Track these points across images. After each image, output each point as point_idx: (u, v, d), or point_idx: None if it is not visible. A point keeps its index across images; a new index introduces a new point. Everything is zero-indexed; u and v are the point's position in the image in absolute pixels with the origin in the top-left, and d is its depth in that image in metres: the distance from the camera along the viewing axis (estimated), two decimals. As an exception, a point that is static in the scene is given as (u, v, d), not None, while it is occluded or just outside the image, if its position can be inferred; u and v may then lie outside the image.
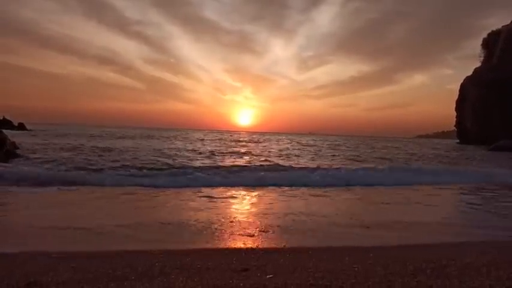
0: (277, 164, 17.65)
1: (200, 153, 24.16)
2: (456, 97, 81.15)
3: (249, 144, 41.56)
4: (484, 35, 77.17)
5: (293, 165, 17.55)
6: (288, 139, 64.77)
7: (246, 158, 22.45)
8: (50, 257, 4.10)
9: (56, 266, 3.64)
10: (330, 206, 8.77)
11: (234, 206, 8.29)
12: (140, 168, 13.67)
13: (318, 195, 10.06)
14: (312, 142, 52.78)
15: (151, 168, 13.95)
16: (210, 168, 14.74)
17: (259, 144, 42.20)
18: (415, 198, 10.25)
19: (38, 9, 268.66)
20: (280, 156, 24.91)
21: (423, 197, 10.58)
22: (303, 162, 21.32)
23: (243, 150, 29.64)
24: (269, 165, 17.06)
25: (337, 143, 55.10)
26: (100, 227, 5.86)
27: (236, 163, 18.19)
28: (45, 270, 3.46)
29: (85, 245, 4.92)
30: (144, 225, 6.14)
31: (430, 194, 11.11)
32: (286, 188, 11.19)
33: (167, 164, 15.68)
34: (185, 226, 6.14)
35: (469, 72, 77.49)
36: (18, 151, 15.07)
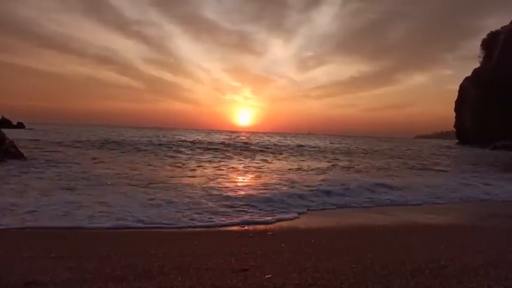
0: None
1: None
2: (455, 97, 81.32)
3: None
4: (484, 35, 77.17)
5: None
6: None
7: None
8: (48, 256, 4.09)
9: (54, 266, 3.63)
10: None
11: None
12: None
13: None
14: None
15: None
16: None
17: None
18: None
19: (36, 8, 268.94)
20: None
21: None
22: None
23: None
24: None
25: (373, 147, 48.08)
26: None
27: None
28: (43, 270, 3.46)
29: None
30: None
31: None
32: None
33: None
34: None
35: (469, 73, 77.56)
36: (15, 150, 14.98)
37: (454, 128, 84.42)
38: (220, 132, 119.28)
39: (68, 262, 3.80)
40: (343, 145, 49.22)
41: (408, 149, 44.48)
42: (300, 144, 45.32)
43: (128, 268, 3.54)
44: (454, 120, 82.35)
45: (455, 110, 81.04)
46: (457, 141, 79.28)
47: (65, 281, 3.13)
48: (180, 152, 25.23)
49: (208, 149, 28.77)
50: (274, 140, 58.46)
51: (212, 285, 3.02)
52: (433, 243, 5.14)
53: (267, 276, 3.28)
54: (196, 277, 3.26)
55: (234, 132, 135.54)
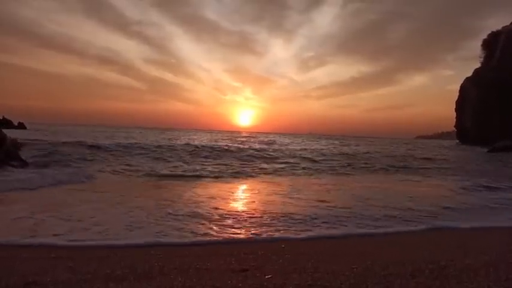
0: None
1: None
2: (456, 98, 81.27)
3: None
4: (484, 35, 77.04)
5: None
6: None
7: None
8: (48, 257, 4.10)
9: (54, 266, 3.64)
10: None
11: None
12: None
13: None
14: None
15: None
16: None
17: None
18: None
19: (37, 8, 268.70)
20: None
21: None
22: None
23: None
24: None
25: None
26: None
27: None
28: (43, 271, 3.46)
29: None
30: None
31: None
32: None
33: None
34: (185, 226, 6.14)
35: (469, 73, 77.43)
36: (15, 150, 14.90)
37: (454, 128, 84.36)
38: (226, 132, 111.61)
39: (68, 262, 3.81)
40: (371, 148, 41.74)
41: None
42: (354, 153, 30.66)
43: (128, 268, 3.54)
44: (454, 120, 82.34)
45: (456, 110, 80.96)
46: (457, 141, 79.23)
47: (65, 282, 3.13)
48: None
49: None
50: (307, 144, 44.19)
51: (212, 286, 3.02)
52: (433, 243, 5.14)
53: (267, 277, 3.28)
54: (197, 277, 3.26)
55: (235, 132, 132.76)
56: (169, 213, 7.01)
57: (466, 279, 3.23)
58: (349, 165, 20.78)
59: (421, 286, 3.04)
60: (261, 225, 6.40)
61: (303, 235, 5.75)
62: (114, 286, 3.02)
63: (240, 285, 3.05)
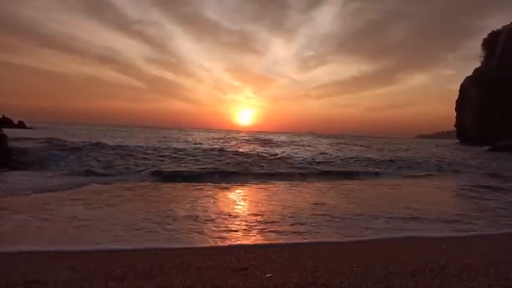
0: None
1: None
2: (456, 97, 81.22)
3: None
4: (484, 35, 77.09)
5: None
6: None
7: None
8: (48, 256, 4.10)
9: (54, 265, 3.64)
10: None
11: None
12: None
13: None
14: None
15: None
16: None
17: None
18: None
19: (38, 8, 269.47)
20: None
21: None
22: None
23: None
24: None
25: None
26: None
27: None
28: (44, 269, 3.46)
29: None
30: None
31: None
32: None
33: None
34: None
35: (469, 73, 77.40)
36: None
37: (454, 128, 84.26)
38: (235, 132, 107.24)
39: (68, 261, 3.81)
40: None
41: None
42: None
43: (128, 267, 3.53)
44: (454, 119, 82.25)
45: (456, 109, 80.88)
46: (457, 140, 79.18)
47: (65, 280, 3.13)
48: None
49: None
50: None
51: (212, 284, 3.01)
52: (433, 243, 5.13)
53: (267, 275, 3.28)
54: (197, 276, 3.25)
55: (236, 131, 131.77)
56: (168, 216, 7.01)
57: (466, 278, 3.23)
58: (349, 165, 20.78)
59: (420, 285, 3.04)
60: (261, 225, 6.40)
61: (306, 239, 5.65)
62: (114, 285, 3.02)
63: (240, 283, 3.05)
